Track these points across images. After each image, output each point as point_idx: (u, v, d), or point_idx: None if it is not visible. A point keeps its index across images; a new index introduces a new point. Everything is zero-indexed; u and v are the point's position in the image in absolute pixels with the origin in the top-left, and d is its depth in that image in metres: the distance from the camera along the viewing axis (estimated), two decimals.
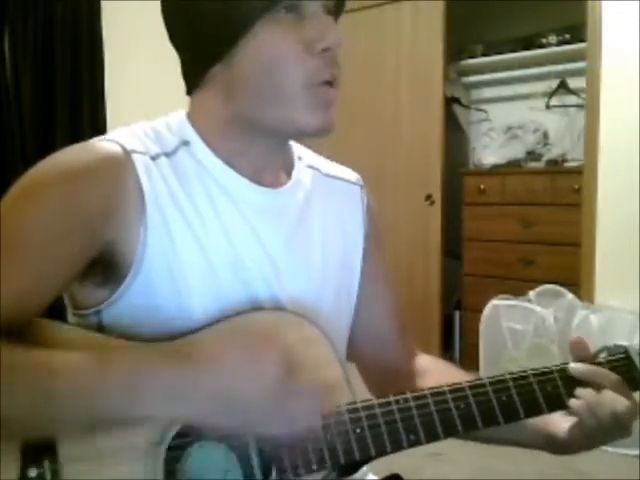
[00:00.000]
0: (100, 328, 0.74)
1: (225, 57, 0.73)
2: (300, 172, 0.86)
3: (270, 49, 0.71)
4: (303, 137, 0.79)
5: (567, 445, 0.78)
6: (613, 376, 0.76)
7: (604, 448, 2.61)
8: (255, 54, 0.71)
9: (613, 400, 0.74)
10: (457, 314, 3.53)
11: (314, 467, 0.68)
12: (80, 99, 2.87)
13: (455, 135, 3.70)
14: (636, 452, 2.36)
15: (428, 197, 3.36)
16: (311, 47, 0.72)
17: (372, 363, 0.95)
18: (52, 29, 2.78)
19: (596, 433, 0.75)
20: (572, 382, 0.77)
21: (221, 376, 0.62)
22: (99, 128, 2.86)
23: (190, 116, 0.80)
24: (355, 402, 0.71)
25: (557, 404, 0.76)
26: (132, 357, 0.64)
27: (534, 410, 0.75)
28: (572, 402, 0.75)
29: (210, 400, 0.62)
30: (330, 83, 0.74)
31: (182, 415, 0.64)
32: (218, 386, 0.62)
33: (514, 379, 0.75)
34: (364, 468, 0.88)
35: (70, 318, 0.78)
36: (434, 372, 0.92)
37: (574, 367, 0.77)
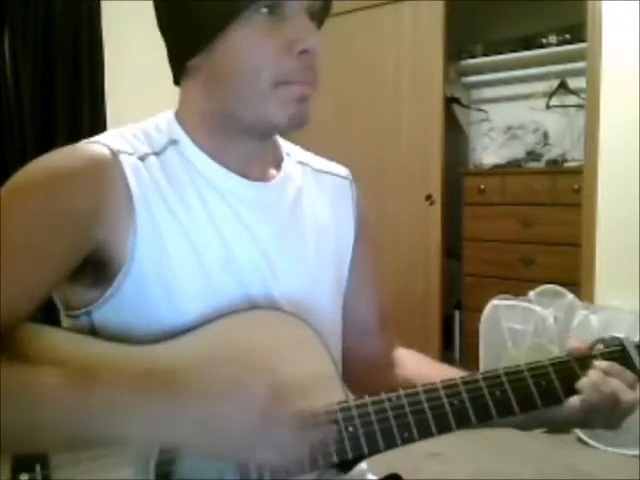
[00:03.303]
0: (91, 328, 0.74)
1: (204, 50, 0.73)
2: (289, 167, 0.87)
3: (248, 47, 0.71)
4: (278, 132, 0.80)
5: (562, 420, 0.78)
6: (629, 374, 0.77)
7: (604, 448, 2.62)
8: (233, 51, 0.72)
9: (619, 386, 0.75)
10: (457, 314, 3.53)
11: (306, 467, 0.67)
12: (80, 99, 2.87)
13: (455, 135, 3.70)
14: (636, 452, 2.36)
15: (428, 197, 3.36)
16: (289, 47, 0.72)
17: (351, 353, 0.95)
18: (52, 29, 2.78)
19: (594, 409, 0.75)
20: (567, 375, 0.77)
21: (205, 405, 0.62)
22: (99, 128, 2.86)
23: (178, 114, 0.81)
24: (347, 400, 0.71)
25: (551, 398, 0.76)
26: (115, 380, 0.63)
27: (528, 405, 0.75)
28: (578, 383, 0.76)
29: (193, 428, 0.61)
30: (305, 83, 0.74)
31: (166, 441, 0.63)
32: (202, 415, 0.61)
33: (507, 374, 0.75)
34: (363, 467, 0.88)
35: (62, 319, 0.78)
36: (406, 360, 0.94)
37: (593, 363, 0.78)
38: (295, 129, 0.76)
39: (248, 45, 0.71)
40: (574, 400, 0.76)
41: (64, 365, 0.65)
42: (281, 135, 0.87)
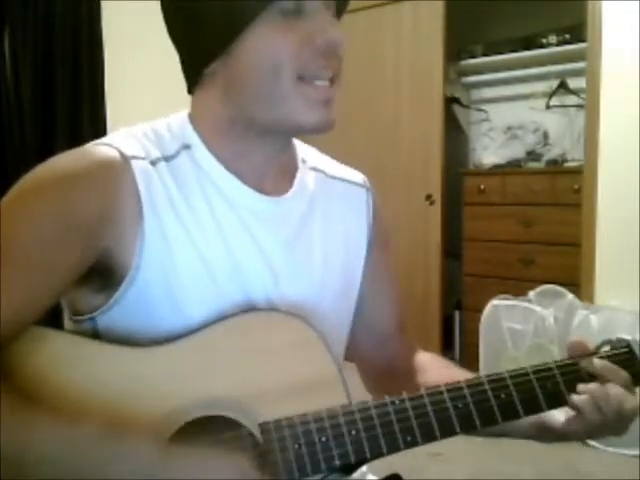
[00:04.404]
0: (95, 333, 0.73)
1: (222, 55, 0.72)
2: (304, 176, 0.85)
3: (266, 46, 0.70)
4: (302, 133, 0.78)
5: (562, 436, 0.78)
6: (623, 373, 0.76)
7: (604, 448, 2.61)
8: (251, 52, 0.70)
9: (621, 396, 0.74)
10: (457, 314, 3.52)
11: (309, 471, 0.66)
12: (80, 99, 2.87)
13: (455, 135, 3.69)
14: (636, 452, 2.36)
15: (428, 197, 3.36)
16: (310, 41, 0.70)
17: (372, 361, 0.95)
18: (52, 29, 2.77)
19: (596, 427, 0.74)
20: (573, 378, 0.76)
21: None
22: (99, 128, 2.86)
23: (192, 117, 0.79)
24: (350, 404, 0.70)
25: (557, 401, 0.75)
26: (101, 432, 0.61)
27: (533, 408, 0.74)
28: (574, 398, 0.74)
29: None
30: (330, 80, 0.73)
31: None
32: None
33: (512, 377, 0.74)
34: (363, 468, 0.88)
35: (66, 323, 0.78)
36: (430, 369, 0.92)
37: (587, 361, 0.77)
38: (321, 133, 0.74)
39: (267, 43, 0.70)
40: (577, 421, 0.75)
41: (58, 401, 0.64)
42: (301, 137, 0.85)
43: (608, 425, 0.74)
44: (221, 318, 0.72)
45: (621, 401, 0.73)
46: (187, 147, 0.77)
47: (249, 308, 0.74)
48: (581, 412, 0.74)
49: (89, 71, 2.89)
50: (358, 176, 0.93)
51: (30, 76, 2.71)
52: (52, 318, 0.72)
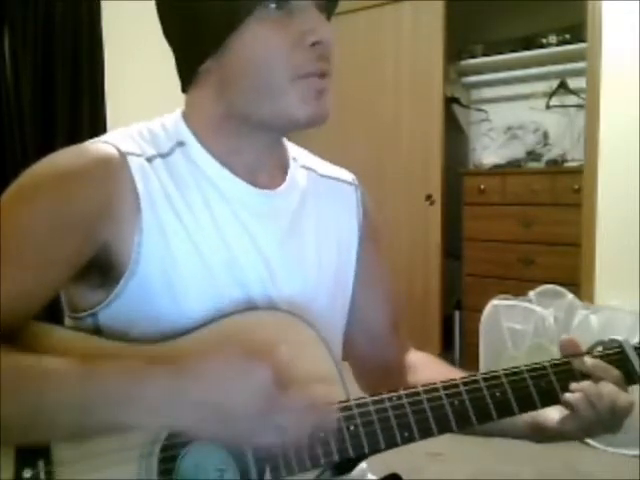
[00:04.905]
0: (96, 329, 0.74)
1: (215, 53, 0.73)
2: (295, 172, 0.86)
3: (259, 45, 0.71)
4: (298, 129, 0.78)
5: (556, 435, 0.78)
6: (615, 371, 0.77)
7: (604, 448, 2.61)
8: (245, 50, 0.71)
9: (614, 393, 0.75)
10: (457, 314, 3.52)
11: (308, 465, 0.67)
12: (80, 99, 2.87)
13: (455, 135, 3.70)
14: (636, 452, 2.36)
15: (428, 197, 3.37)
16: (301, 40, 0.71)
17: (365, 360, 0.95)
18: (52, 29, 2.78)
19: (591, 425, 0.75)
20: (566, 377, 0.77)
21: (206, 387, 0.62)
22: (99, 128, 2.86)
23: (185, 115, 0.80)
24: (348, 400, 0.71)
25: (551, 399, 0.76)
26: (118, 366, 0.63)
27: (528, 405, 0.75)
28: (568, 396, 0.75)
29: (194, 411, 0.61)
30: (321, 75, 0.74)
31: (169, 425, 0.64)
32: (203, 397, 0.61)
33: (507, 375, 0.75)
34: (363, 466, 0.88)
35: (66, 321, 0.78)
36: (423, 369, 0.93)
37: (579, 360, 0.77)
38: (315, 126, 0.75)
39: (260, 42, 0.71)
40: (570, 420, 0.76)
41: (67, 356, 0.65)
42: (297, 131, 0.84)
43: (602, 422, 0.75)
44: (221, 316, 0.72)
45: (614, 399, 0.74)
46: (181, 144, 0.78)
47: (248, 307, 0.75)
48: (575, 410, 0.75)
49: (89, 71, 2.89)
50: (347, 175, 0.94)
51: (30, 76, 2.71)
52: (52, 317, 0.73)
